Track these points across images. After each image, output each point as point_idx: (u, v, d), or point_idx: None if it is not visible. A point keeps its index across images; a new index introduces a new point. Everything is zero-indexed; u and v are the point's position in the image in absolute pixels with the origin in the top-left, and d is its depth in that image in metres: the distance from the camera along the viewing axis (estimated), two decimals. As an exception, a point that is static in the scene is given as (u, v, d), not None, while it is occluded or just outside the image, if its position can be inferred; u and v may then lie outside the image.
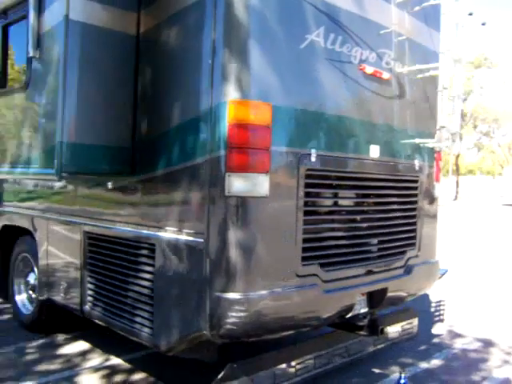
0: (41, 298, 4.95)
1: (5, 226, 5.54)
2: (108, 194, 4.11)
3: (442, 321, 6.11)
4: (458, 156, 37.79)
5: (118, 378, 4.24)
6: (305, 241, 3.47)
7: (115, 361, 4.56)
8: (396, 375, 3.92)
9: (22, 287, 5.52)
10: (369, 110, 3.96)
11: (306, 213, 3.47)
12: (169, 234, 3.50)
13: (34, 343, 4.95)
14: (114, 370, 4.37)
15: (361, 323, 4.02)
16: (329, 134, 3.64)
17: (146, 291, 3.70)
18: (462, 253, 11.51)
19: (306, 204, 3.46)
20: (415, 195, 4.46)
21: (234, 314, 3.16)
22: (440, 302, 6.85)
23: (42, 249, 4.88)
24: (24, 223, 5.17)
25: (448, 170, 39.55)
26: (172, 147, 3.52)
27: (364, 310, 4.10)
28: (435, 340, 5.41)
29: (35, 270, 5.10)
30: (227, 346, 3.65)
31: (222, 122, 3.17)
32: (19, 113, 4.34)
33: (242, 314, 3.17)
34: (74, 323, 5.10)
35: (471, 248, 12.50)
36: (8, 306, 5.84)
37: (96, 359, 4.61)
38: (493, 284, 8.37)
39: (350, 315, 3.93)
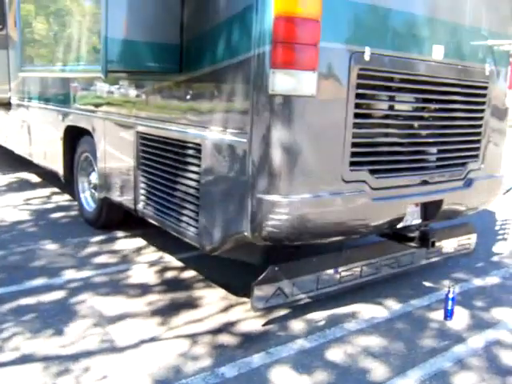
0: (100, 196, 5.14)
1: (68, 127, 5.70)
2: (157, 93, 4.07)
3: (504, 240, 5.84)
4: None
5: (170, 274, 4.41)
6: (354, 145, 3.30)
7: (169, 258, 4.73)
8: (446, 290, 3.80)
9: (86, 185, 5.75)
10: (433, 5, 3.59)
11: (357, 115, 3.27)
12: (214, 133, 3.44)
13: (96, 238, 5.20)
14: (166, 267, 4.54)
15: (412, 234, 3.88)
16: (386, 32, 3.35)
17: (192, 191, 3.72)
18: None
19: (357, 106, 3.26)
20: (483, 103, 4.11)
21: (275, 216, 3.12)
22: (505, 220, 6.56)
23: (100, 149, 5.00)
24: (84, 124, 5.28)
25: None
26: (218, 43, 3.37)
27: (417, 221, 3.96)
28: (494, 258, 5.20)
29: (95, 169, 5.26)
30: (275, 249, 3.67)
31: (267, 14, 2.96)
32: (68, 9, 4.29)
33: (283, 217, 3.12)
34: (132, 221, 5.29)
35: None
36: (76, 203, 6.14)
37: (151, 256, 4.79)
38: None
39: (401, 225, 3.81)
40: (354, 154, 3.31)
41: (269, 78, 3.00)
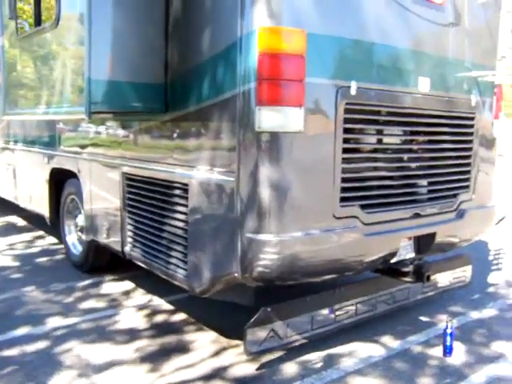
0: (87, 238, 5.02)
1: (54, 169, 5.61)
2: (143, 133, 4.02)
3: (499, 270, 5.77)
4: None
5: (159, 317, 4.27)
6: (344, 180, 3.25)
7: (158, 301, 4.59)
8: (444, 324, 3.70)
9: (72, 228, 5.63)
10: (418, 38, 3.60)
11: (346, 150, 3.23)
12: (201, 173, 3.37)
13: (83, 282, 5.06)
14: (155, 310, 4.40)
15: (406, 269, 3.79)
16: (371, 65, 3.34)
17: (180, 232, 3.63)
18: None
19: (345, 141, 3.22)
20: (471, 134, 4.10)
21: (265, 256, 3.03)
22: (499, 250, 6.50)
23: (86, 190, 4.91)
24: (70, 166, 5.20)
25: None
26: (202, 82, 3.34)
27: (411, 255, 3.88)
28: (490, 289, 5.11)
29: (82, 211, 5.16)
30: (268, 290, 3.56)
31: (252, 51, 2.95)
32: (51, 51, 4.26)
33: (274, 257, 3.03)
34: (120, 264, 5.16)
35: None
36: (62, 246, 6.00)
37: (139, 299, 4.66)
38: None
39: (395, 260, 3.73)
40: (344, 190, 3.26)
41: (255, 116, 2.96)
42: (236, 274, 3.15)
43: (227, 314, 4.26)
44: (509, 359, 3.66)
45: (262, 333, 3.32)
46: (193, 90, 3.44)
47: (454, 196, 4.06)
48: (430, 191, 3.89)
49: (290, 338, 3.47)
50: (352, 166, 3.33)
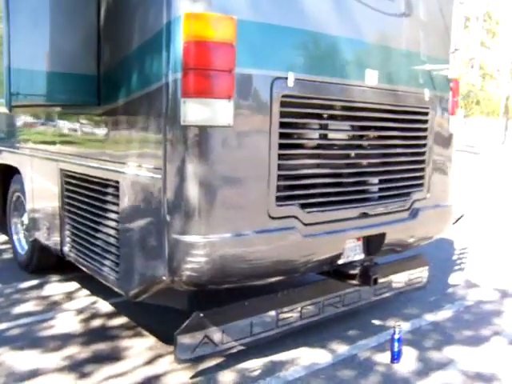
0: (30, 238, 4.79)
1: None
2: (77, 128, 3.80)
3: (461, 270, 5.62)
4: (508, 97, 35.18)
5: (98, 321, 4.04)
6: (280, 178, 3.06)
7: (101, 304, 4.37)
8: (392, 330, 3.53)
9: (19, 227, 5.38)
10: (365, 29, 3.40)
11: (283, 146, 3.03)
12: (131, 169, 3.16)
13: (26, 284, 4.81)
14: (96, 314, 4.18)
15: (353, 272, 3.60)
16: (312, 56, 3.14)
17: (112, 232, 3.42)
18: (499, 200, 10.80)
19: (282, 136, 3.02)
20: (424, 130, 3.92)
21: (193, 259, 2.83)
22: (461, 250, 6.36)
23: (28, 187, 4.68)
24: (13, 161, 4.96)
25: (498, 112, 37.17)
26: (131, 73, 3.13)
27: (360, 256, 3.70)
28: (449, 290, 4.96)
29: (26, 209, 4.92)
30: (209, 294, 3.37)
31: (177, 39, 2.73)
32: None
33: (202, 259, 2.83)
34: (68, 264, 4.92)
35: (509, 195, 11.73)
36: (10, 245, 5.75)
37: (81, 301, 4.43)
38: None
39: (342, 262, 3.55)
40: (280, 188, 3.06)
41: (180, 109, 2.74)
42: (164, 278, 2.94)
43: (171, 318, 3.99)
44: (458, 366, 3.49)
45: (194, 339, 3.12)
46: (123, 82, 3.22)
47: (407, 195, 3.88)
48: (379, 190, 3.72)
49: (226, 344, 3.27)
50: (290, 162, 3.13)
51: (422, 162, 3.95)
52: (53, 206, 4.20)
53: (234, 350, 3.35)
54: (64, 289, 4.71)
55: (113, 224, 3.40)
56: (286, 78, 2.98)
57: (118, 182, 3.29)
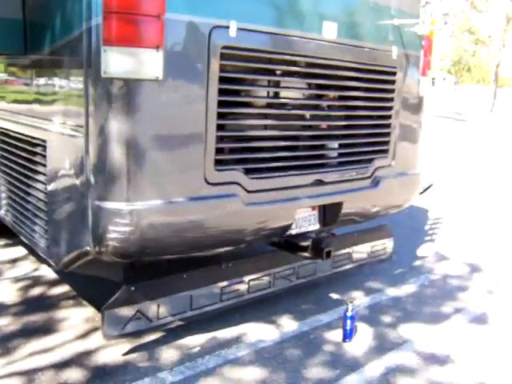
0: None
1: None
2: (7, 79, 3.45)
3: (432, 241, 5.39)
4: (498, 65, 34.33)
5: (37, 290, 3.79)
6: (220, 139, 2.75)
7: (45, 271, 4.10)
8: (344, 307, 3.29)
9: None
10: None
11: (223, 104, 2.71)
12: (56, 127, 2.85)
13: (-33, 248, 4.55)
14: (37, 282, 3.92)
15: (305, 243, 3.33)
16: (259, 3, 2.79)
17: (41, 196, 3.13)
18: (479, 169, 10.55)
19: (221, 93, 2.69)
20: (390, 91, 3.60)
21: (117, 228, 2.53)
22: (434, 220, 6.12)
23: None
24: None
25: (488, 80, 36.49)
26: (55, 18, 2.77)
27: (315, 227, 3.44)
28: (416, 263, 4.74)
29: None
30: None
31: (97, -23, 2.38)
32: None
33: (127, 229, 2.54)
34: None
35: (492, 164, 11.47)
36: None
37: (25, 268, 4.16)
38: (498, 206, 7.52)
39: (294, 233, 3.28)
40: (220, 151, 2.76)
41: (101, 58, 2.41)
42: (89, 248, 2.66)
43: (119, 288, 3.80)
44: (414, 345, 3.28)
45: (124, 314, 2.87)
46: (48, 29, 2.86)
47: (369, 161, 3.59)
48: (337, 155, 3.42)
49: (162, 319, 3.03)
50: (232, 122, 2.83)
51: (387, 126, 3.65)
52: (-11, 166, 3.88)
53: (173, 325, 3.11)
54: (8, 254, 4.44)
55: (41, 187, 3.10)
56: (228, 27, 2.63)
57: (45, 141, 2.98)
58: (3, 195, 3.76)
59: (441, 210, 6.66)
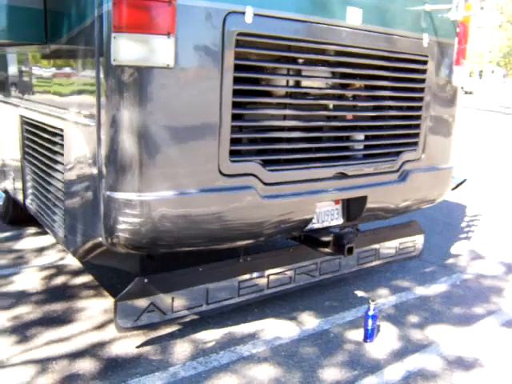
0: (1, 188, 4.56)
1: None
2: (32, 69, 3.47)
3: (467, 239, 5.15)
4: None
5: (60, 280, 3.81)
6: (236, 130, 2.67)
7: (69, 260, 4.12)
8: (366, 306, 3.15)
9: (-1, 177, 5.16)
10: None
11: (238, 93, 2.63)
12: (72, 116, 2.83)
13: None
14: (61, 270, 3.95)
15: (326, 238, 3.22)
16: (277, -13, 2.68)
17: (59, 185, 3.12)
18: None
19: (237, 81, 2.61)
20: (421, 81, 3.43)
21: (128, 219, 2.49)
22: (472, 217, 5.86)
23: (-3, 135, 4.41)
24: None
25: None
26: (70, 6, 2.74)
27: (338, 222, 3.32)
28: (449, 261, 4.53)
29: (1, 158, 4.67)
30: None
31: (108, -37, 2.32)
32: None
33: (137, 220, 2.49)
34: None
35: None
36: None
37: (51, 257, 4.21)
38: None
39: (317, 227, 3.18)
40: (235, 141, 2.67)
41: (111, 46, 2.36)
42: (100, 239, 2.63)
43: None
44: (439, 348, 3.12)
45: (138, 306, 2.83)
46: (65, 17, 2.84)
47: (396, 154, 3.43)
48: (363, 148, 3.29)
49: (177, 312, 2.98)
50: (248, 112, 2.73)
51: (417, 117, 3.48)
52: (16, 156, 3.92)
53: (187, 319, 3.06)
54: (37, 243, 4.49)
55: (59, 176, 3.10)
56: (243, 13, 2.54)
57: (62, 130, 2.97)
58: (29, 184, 3.79)
59: (478, 206, 6.38)
